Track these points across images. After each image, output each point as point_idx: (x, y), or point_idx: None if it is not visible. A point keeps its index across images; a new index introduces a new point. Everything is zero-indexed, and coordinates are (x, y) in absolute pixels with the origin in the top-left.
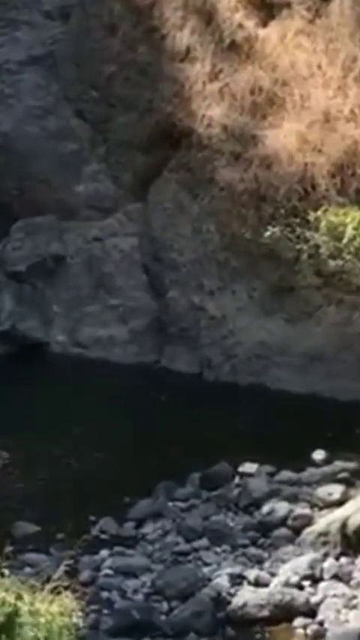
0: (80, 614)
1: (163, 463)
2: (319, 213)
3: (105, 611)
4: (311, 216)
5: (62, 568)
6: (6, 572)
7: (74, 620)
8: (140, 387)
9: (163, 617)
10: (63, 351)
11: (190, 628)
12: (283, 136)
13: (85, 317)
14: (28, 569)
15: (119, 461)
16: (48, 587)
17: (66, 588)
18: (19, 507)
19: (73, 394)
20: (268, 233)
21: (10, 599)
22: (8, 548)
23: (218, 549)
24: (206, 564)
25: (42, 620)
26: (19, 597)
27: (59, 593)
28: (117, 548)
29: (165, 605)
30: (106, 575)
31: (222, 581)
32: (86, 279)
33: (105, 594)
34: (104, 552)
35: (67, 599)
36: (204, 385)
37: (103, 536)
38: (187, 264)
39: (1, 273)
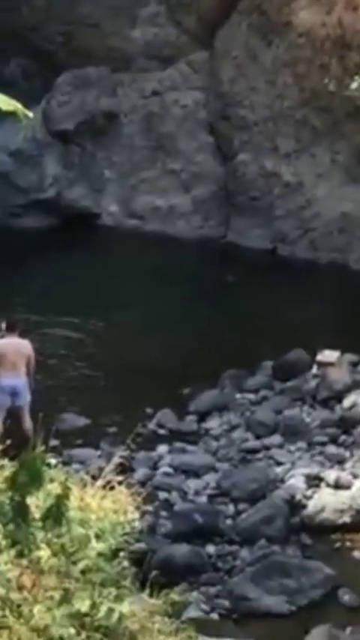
0: (136, 512)
1: (231, 350)
2: None
3: (163, 514)
4: None
5: (114, 464)
6: (52, 461)
7: (129, 516)
8: (204, 264)
9: (228, 522)
10: (115, 224)
11: (260, 534)
12: None
13: (141, 184)
14: (76, 466)
15: (180, 347)
16: (99, 482)
17: (119, 484)
18: (67, 398)
19: (128, 272)
20: (354, 85)
21: (57, 490)
22: (54, 443)
23: (292, 447)
24: (279, 463)
25: (92, 516)
26: (66, 490)
27: (112, 488)
28: (177, 444)
29: (231, 509)
30: (165, 474)
31: (297, 482)
32: (142, 140)
33: (163, 495)
34: (162, 448)
35: (121, 495)
36: (277, 263)
37: (160, 431)
38: (260, 123)
39: (44, 132)
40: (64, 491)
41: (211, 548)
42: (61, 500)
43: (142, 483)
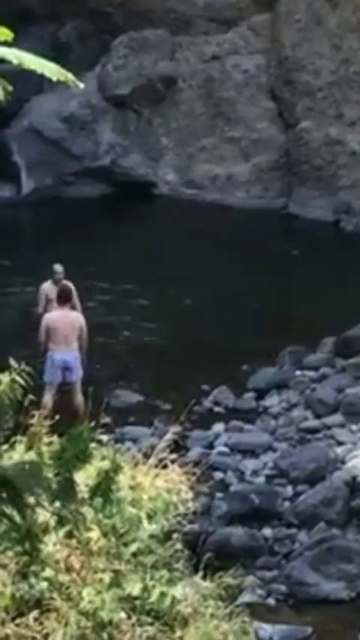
0: (190, 492)
1: (292, 326)
2: None
3: (218, 495)
4: None
5: (167, 442)
6: (103, 438)
7: (182, 496)
8: (264, 236)
9: (286, 504)
10: (172, 192)
11: (319, 517)
12: None
13: (199, 152)
14: (128, 444)
15: (239, 322)
16: (151, 460)
17: (172, 462)
18: (120, 373)
19: (185, 243)
20: None
21: (107, 467)
22: (105, 419)
23: (354, 427)
24: (339, 444)
25: (144, 496)
26: (115, 467)
27: (165, 467)
28: (234, 423)
29: (289, 490)
30: (221, 453)
31: (358, 463)
32: (202, 106)
33: (219, 475)
34: (218, 427)
35: (174, 474)
36: (340, 235)
37: (217, 409)
38: (324, 89)
39: (99, 97)
40: (113, 468)
41: (267, 531)
42: (110, 477)
43: (197, 463)
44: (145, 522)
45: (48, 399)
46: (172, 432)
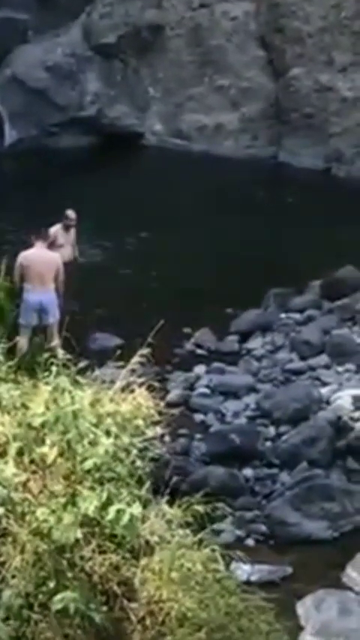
0: (157, 415)
1: (279, 270)
2: None
3: (198, 436)
4: None
5: (134, 365)
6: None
7: (148, 418)
8: (254, 184)
9: (268, 444)
10: (160, 143)
11: (302, 457)
12: None
13: (187, 101)
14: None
15: (225, 267)
16: (117, 385)
17: (140, 386)
18: (99, 316)
19: (173, 193)
20: None
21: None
22: (83, 363)
23: (340, 368)
24: (324, 384)
25: (103, 412)
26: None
27: (132, 392)
28: (215, 365)
29: (272, 430)
30: (201, 395)
31: (344, 403)
32: (189, 54)
33: (199, 417)
34: (199, 369)
35: (141, 398)
36: (331, 183)
37: (198, 351)
38: (315, 35)
39: (85, 46)
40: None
41: (248, 472)
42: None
43: (176, 405)
44: (103, 439)
45: (24, 342)
46: (140, 354)
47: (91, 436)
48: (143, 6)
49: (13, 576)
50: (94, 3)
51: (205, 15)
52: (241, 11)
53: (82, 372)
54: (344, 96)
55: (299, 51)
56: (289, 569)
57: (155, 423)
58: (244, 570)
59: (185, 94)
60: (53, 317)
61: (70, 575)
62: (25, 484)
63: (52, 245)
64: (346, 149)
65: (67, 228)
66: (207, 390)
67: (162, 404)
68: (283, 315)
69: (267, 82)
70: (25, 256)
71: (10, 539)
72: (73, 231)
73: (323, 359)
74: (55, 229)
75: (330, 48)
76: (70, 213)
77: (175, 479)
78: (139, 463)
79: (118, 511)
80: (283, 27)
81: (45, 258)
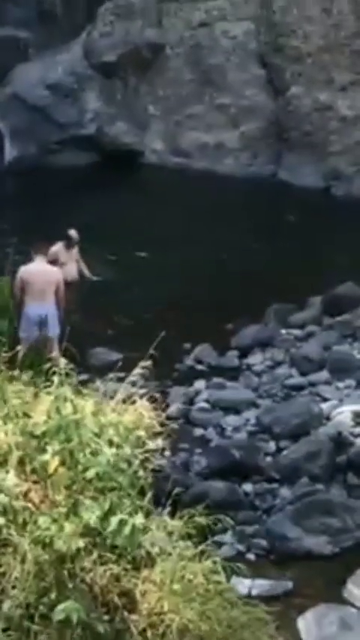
0: (159, 427)
1: (279, 287)
2: None
3: (198, 450)
4: None
5: (136, 377)
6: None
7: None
8: (254, 202)
9: (268, 459)
10: (160, 161)
11: (302, 472)
12: None
13: (187, 120)
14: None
15: (226, 284)
16: (119, 396)
17: (141, 398)
18: (99, 332)
19: (173, 210)
20: None
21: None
22: (83, 377)
23: (340, 384)
24: (325, 400)
25: (105, 421)
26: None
27: (133, 403)
28: (215, 380)
29: (272, 445)
30: (201, 410)
31: (344, 418)
32: (189, 73)
33: (199, 431)
34: (200, 384)
35: (143, 409)
36: (331, 202)
37: (199, 367)
38: (314, 54)
39: (85, 65)
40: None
41: (248, 487)
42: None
43: (176, 419)
44: (105, 448)
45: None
46: (141, 365)
47: (93, 445)
48: (143, 25)
49: (14, 587)
50: (95, 22)
51: (205, 34)
52: (241, 30)
53: (83, 384)
54: (344, 115)
55: (299, 70)
56: (290, 584)
57: (156, 435)
58: (244, 585)
59: (185, 112)
60: (53, 331)
61: (70, 585)
62: (26, 493)
63: (55, 263)
64: (346, 168)
65: (68, 246)
66: (207, 405)
67: (163, 415)
68: (283, 331)
69: (267, 100)
70: (26, 270)
71: (10, 549)
72: (75, 249)
73: (323, 375)
74: (56, 248)
75: (329, 67)
76: (73, 232)
77: (176, 490)
78: (141, 473)
79: (120, 521)
80: (283, 46)
81: (45, 272)
